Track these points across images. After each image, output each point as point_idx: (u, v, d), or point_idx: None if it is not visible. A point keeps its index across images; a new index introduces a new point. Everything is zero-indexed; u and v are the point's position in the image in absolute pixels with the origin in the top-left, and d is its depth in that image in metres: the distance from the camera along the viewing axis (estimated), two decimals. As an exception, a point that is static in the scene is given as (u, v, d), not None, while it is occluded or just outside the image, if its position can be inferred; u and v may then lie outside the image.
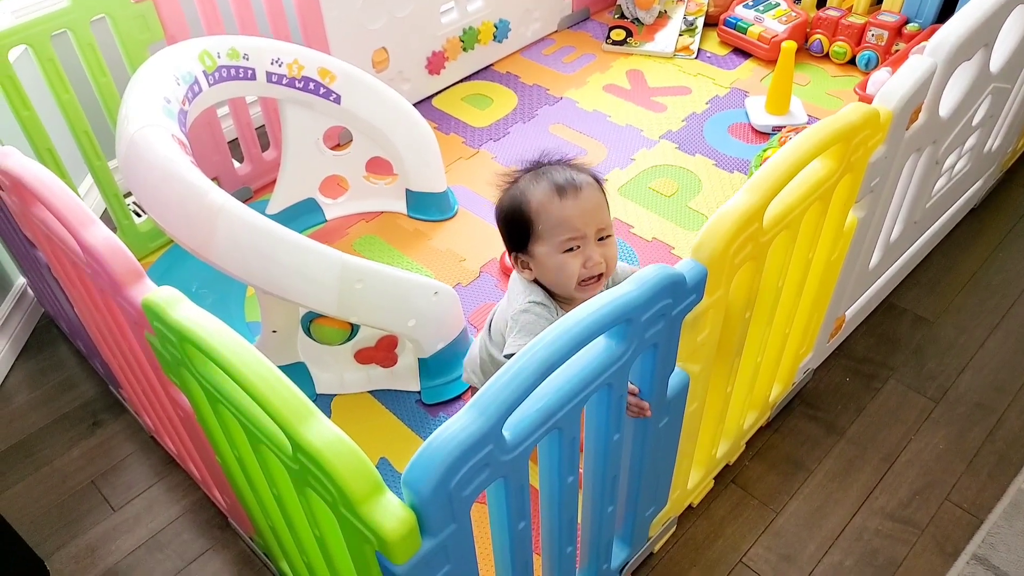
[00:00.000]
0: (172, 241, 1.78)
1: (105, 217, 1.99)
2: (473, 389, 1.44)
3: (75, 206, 0.93)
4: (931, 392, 1.53)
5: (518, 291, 1.20)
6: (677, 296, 0.88)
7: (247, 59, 1.61)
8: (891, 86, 1.12)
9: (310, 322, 1.45)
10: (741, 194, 0.93)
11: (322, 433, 0.71)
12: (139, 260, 1.72)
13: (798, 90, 2.26)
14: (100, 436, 1.52)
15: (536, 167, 1.19)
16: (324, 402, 1.54)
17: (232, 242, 1.25)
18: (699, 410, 1.13)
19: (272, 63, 1.64)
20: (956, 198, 1.73)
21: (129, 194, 1.97)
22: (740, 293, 1.02)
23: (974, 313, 1.68)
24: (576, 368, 0.82)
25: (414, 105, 2.26)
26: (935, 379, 1.55)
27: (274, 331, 1.47)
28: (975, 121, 1.47)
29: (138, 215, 1.92)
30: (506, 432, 0.76)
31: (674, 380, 1.01)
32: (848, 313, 1.54)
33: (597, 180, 1.18)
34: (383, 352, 1.52)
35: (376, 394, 1.55)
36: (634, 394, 0.95)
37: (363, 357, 1.52)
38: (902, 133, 1.19)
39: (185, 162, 1.27)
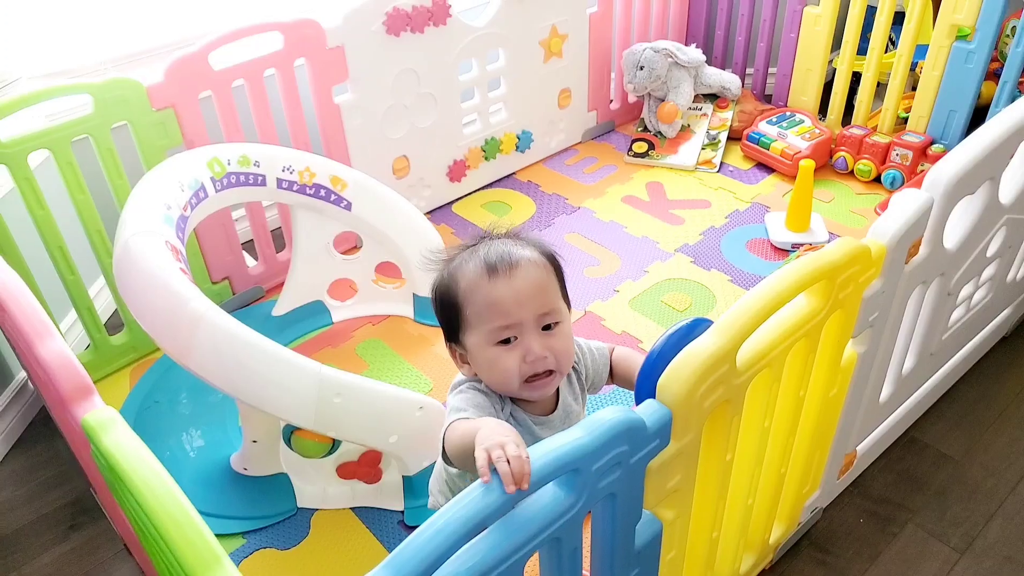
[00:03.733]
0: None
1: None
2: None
3: (33, 316, 0.94)
4: (955, 541, 1.41)
5: (455, 384, 1.06)
6: (635, 443, 0.83)
7: (258, 166, 1.64)
8: (884, 221, 1.08)
9: (291, 433, 1.42)
10: (709, 335, 0.88)
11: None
12: (121, 369, 1.77)
13: (822, 207, 2.22)
14: (74, 541, 1.48)
15: (477, 241, 1.03)
16: (304, 516, 1.48)
17: (210, 350, 1.24)
18: (679, 558, 1.05)
19: (283, 170, 1.68)
20: (980, 328, 1.64)
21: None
22: (717, 436, 0.96)
23: (1005, 453, 1.56)
24: (518, 521, 0.76)
25: (434, 210, 2.32)
26: (960, 526, 1.43)
27: (254, 441, 1.44)
28: (990, 252, 1.40)
29: (112, 333, 1.94)
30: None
31: (644, 529, 0.94)
32: (860, 448, 1.45)
33: (548, 258, 1.02)
34: (366, 467, 1.47)
35: (359, 511, 1.50)
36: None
37: (345, 472, 1.48)
38: (900, 267, 1.13)
39: (173, 269, 1.28)
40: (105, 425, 0.82)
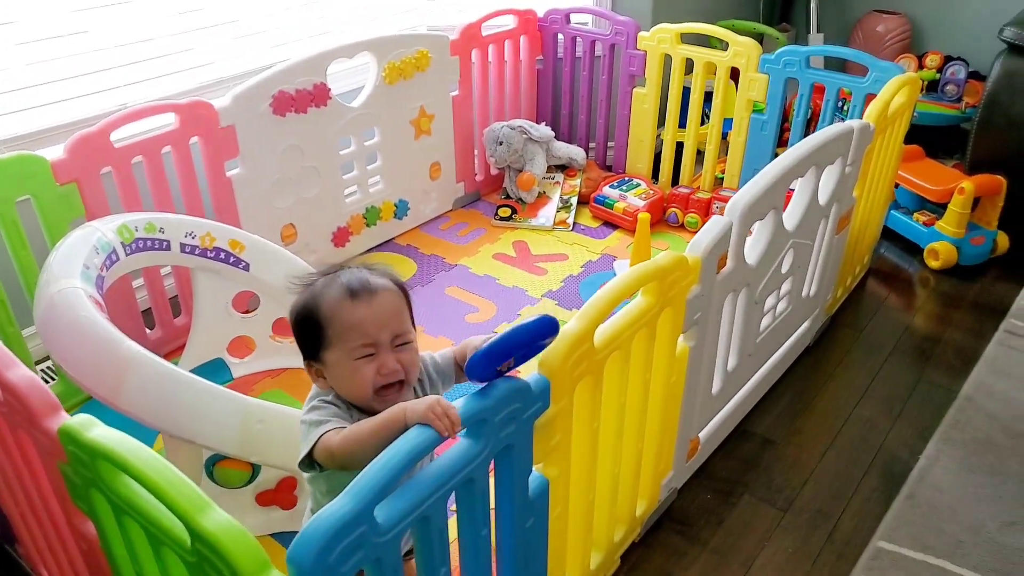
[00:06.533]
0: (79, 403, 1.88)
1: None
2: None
3: None
4: (780, 503, 1.73)
5: (309, 396, 1.17)
6: (525, 401, 1.07)
7: (163, 232, 1.80)
8: (698, 237, 1.41)
9: (213, 465, 1.55)
10: (574, 320, 1.15)
11: (217, 520, 0.85)
12: None
13: (659, 253, 2.60)
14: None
15: (333, 270, 1.15)
16: (225, 546, 1.60)
17: (141, 389, 1.38)
18: (563, 515, 1.29)
19: (186, 236, 1.85)
20: (787, 335, 2.03)
21: (41, 360, 2.07)
22: (584, 404, 1.22)
23: (812, 435, 1.92)
24: (439, 465, 0.99)
25: (319, 274, 2.51)
26: (782, 492, 1.76)
27: (178, 475, 1.56)
28: (784, 269, 1.79)
29: (47, 380, 2.01)
30: (379, 517, 0.91)
31: (534, 483, 1.18)
32: (702, 436, 1.76)
33: (399, 286, 1.16)
34: (283, 494, 1.62)
35: (279, 536, 1.63)
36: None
37: (264, 499, 1.62)
38: (712, 276, 1.47)
39: (101, 319, 1.42)
40: (86, 425, 0.97)
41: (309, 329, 1.12)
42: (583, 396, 1.21)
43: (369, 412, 1.12)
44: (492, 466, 1.09)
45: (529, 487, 1.16)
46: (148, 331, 2.14)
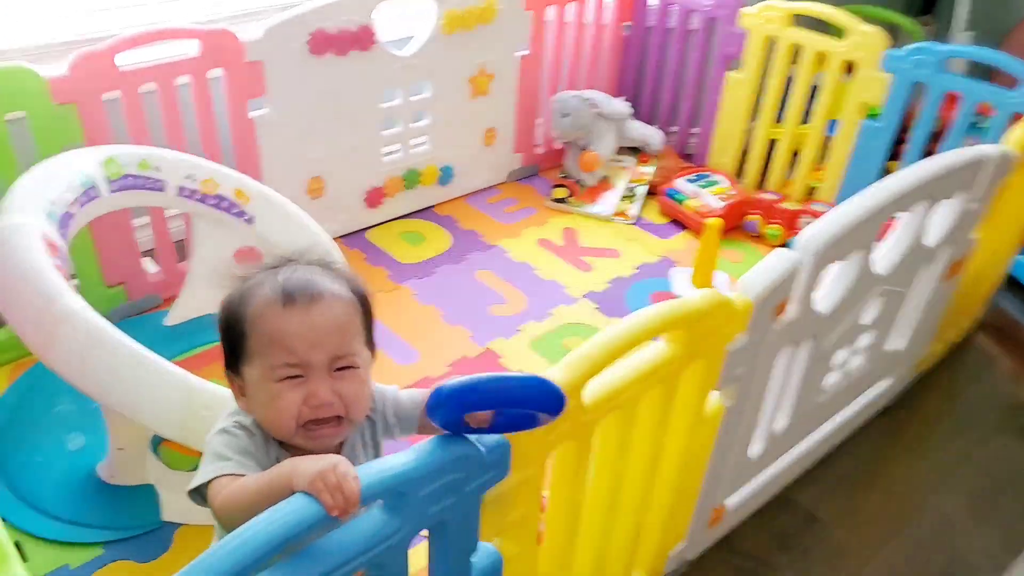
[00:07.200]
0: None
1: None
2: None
3: None
4: (812, 600, 1.43)
5: (225, 413, 0.93)
6: (470, 471, 0.82)
7: (158, 171, 1.61)
8: (750, 276, 1.11)
9: (159, 444, 1.37)
10: (558, 368, 0.89)
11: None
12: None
13: (730, 267, 2.27)
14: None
15: (282, 263, 0.91)
16: (168, 531, 1.42)
17: (71, 351, 1.19)
18: (524, 596, 1.04)
19: (185, 178, 1.65)
20: (858, 395, 1.69)
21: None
22: (564, 473, 0.96)
23: (871, 519, 1.60)
24: (335, 542, 0.75)
25: (348, 235, 2.30)
26: (818, 586, 1.46)
27: (120, 448, 1.39)
28: (866, 321, 1.45)
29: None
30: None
31: (481, 560, 0.93)
32: (730, 503, 1.47)
33: (357, 294, 0.91)
34: (233, 486, 1.42)
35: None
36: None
37: (211, 489, 1.43)
38: (767, 325, 1.16)
39: (45, 264, 1.24)
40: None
41: (230, 333, 0.89)
42: (563, 463, 0.95)
43: (294, 451, 0.89)
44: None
45: (473, 567, 0.91)
46: (150, 272, 1.98)
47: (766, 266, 1.12)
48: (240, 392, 0.91)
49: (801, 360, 1.35)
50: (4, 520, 1.39)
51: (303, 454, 0.87)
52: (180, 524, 1.44)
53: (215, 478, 0.84)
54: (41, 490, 1.46)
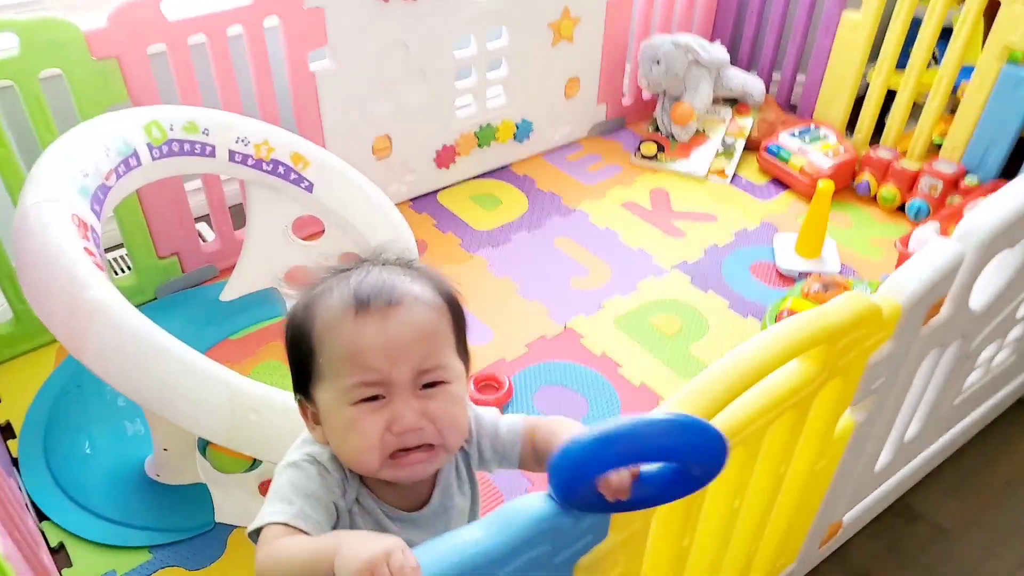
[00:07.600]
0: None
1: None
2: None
3: None
4: (942, 634, 1.24)
5: (299, 439, 0.81)
6: (560, 542, 0.65)
7: (207, 134, 1.47)
8: (903, 277, 0.89)
9: (206, 445, 1.25)
10: (671, 401, 0.70)
11: None
12: (47, 345, 1.59)
13: (838, 233, 2.03)
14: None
15: (355, 264, 0.78)
16: (222, 533, 1.32)
17: (106, 348, 1.07)
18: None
19: (237, 141, 1.50)
20: (996, 391, 1.46)
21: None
22: (672, 521, 0.79)
23: (1009, 531, 1.38)
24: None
25: (417, 198, 2.14)
26: (949, 616, 1.26)
27: (165, 449, 1.29)
28: (1021, 313, 1.21)
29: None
30: None
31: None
32: (847, 518, 1.27)
33: (445, 297, 0.77)
34: (290, 486, 1.30)
35: (282, 529, 1.33)
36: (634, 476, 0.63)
37: (267, 489, 1.31)
38: (916, 330, 0.95)
39: (74, 249, 1.11)
40: None
41: (297, 351, 0.75)
42: (670, 511, 0.77)
43: (379, 489, 0.76)
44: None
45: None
46: (205, 241, 1.86)
47: (921, 264, 0.90)
48: (313, 421, 0.77)
49: (946, 362, 1.13)
50: (49, 518, 1.31)
51: (389, 493, 0.77)
52: (234, 527, 1.33)
53: (267, 526, 0.71)
54: (88, 485, 1.38)
